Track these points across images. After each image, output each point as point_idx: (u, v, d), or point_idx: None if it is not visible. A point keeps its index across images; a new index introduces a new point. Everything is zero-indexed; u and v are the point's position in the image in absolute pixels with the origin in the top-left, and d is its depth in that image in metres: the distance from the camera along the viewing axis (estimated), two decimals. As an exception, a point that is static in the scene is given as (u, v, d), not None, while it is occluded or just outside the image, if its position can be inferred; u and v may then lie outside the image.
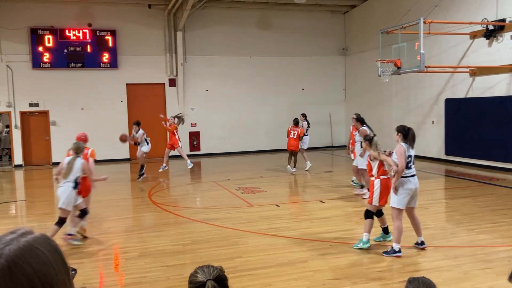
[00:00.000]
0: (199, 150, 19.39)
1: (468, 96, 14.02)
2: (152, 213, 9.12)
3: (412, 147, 6.02)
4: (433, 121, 15.42)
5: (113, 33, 18.09)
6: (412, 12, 14.10)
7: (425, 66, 11.59)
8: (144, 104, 18.90)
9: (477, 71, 13.49)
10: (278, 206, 9.31)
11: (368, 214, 6.25)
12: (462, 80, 14.19)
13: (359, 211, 8.73)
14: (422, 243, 6.13)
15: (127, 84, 18.51)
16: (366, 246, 6.18)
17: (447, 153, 14.95)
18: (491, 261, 5.60)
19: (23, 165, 17.62)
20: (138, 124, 13.22)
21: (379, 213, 6.47)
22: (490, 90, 13.18)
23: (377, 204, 6.24)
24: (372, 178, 6.32)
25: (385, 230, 6.60)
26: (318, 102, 20.70)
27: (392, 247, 5.90)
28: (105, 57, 18.07)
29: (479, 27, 13.13)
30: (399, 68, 11.95)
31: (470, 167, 13.71)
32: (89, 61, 17.93)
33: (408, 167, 5.93)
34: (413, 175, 6.01)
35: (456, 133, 14.52)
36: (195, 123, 19.43)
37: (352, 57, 20.75)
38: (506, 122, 12.68)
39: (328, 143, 20.84)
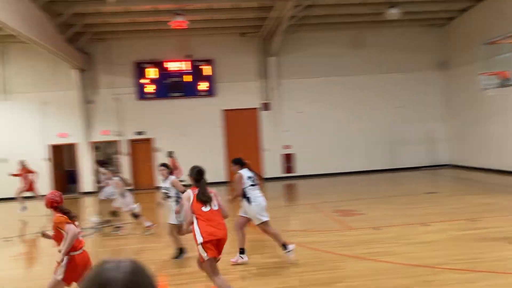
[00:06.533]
0: (294, 172, 19.45)
1: None
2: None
3: None
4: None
5: (210, 62, 19.04)
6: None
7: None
8: (239, 128, 19.49)
9: None
10: (377, 229, 8.96)
11: None
12: None
13: (466, 234, 8.11)
14: None
15: (223, 110, 19.26)
16: None
17: None
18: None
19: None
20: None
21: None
22: None
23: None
24: None
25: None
26: (415, 120, 19.79)
27: None
28: (203, 85, 19.03)
29: None
30: (507, 79, 11.06)
31: None
32: (189, 90, 19.00)
33: None
34: None
35: None
36: (290, 145, 19.58)
37: (451, 71, 19.63)
38: None
39: (427, 162, 19.79)
